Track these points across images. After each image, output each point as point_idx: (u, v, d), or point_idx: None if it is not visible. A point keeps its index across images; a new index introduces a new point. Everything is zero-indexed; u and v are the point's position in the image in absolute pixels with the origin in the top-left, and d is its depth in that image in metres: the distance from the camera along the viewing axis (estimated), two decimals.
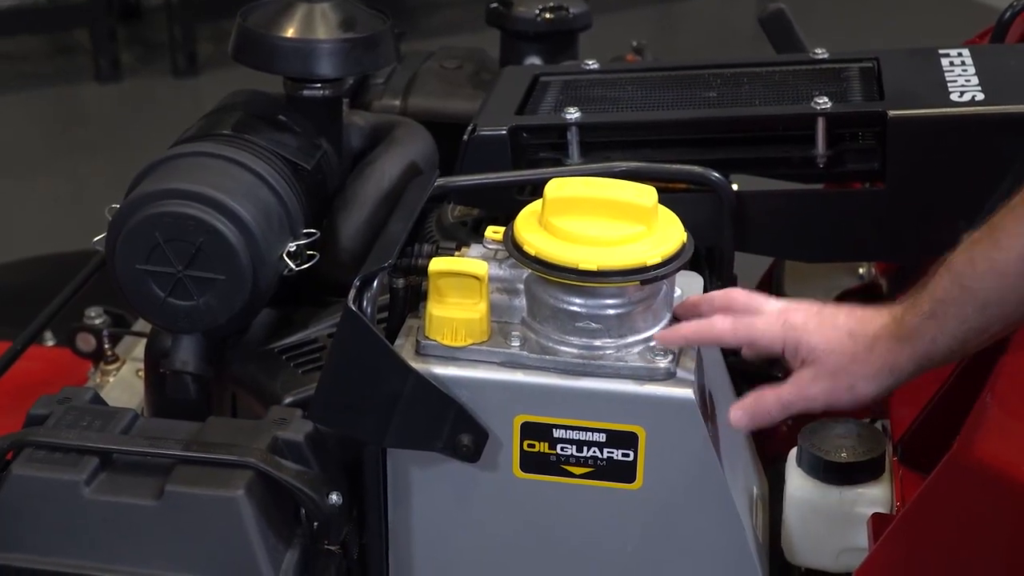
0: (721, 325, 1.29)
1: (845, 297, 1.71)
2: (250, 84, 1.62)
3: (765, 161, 1.49)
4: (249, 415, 1.44)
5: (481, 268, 1.24)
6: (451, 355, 1.25)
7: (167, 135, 1.60)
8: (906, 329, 1.25)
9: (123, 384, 1.81)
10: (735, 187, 1.53)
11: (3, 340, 2.00)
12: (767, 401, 1.29)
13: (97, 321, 1.94)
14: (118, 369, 1.85)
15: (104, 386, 1.82)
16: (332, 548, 1.28)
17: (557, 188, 1.27)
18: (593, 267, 1.21)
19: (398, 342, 1.28)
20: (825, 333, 1.27)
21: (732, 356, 1.69)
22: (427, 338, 1.25)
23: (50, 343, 2.14)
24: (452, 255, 1.33)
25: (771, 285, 1.94)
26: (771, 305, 1.30)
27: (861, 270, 1.76)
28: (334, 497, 1.25)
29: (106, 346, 1.87)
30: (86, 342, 1.95)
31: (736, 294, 1.32)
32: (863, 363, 1.25)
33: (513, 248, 1.26)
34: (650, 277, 1.23)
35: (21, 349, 1.60)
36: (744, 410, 1.29)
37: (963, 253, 1.24)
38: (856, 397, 1.26)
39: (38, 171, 4.13)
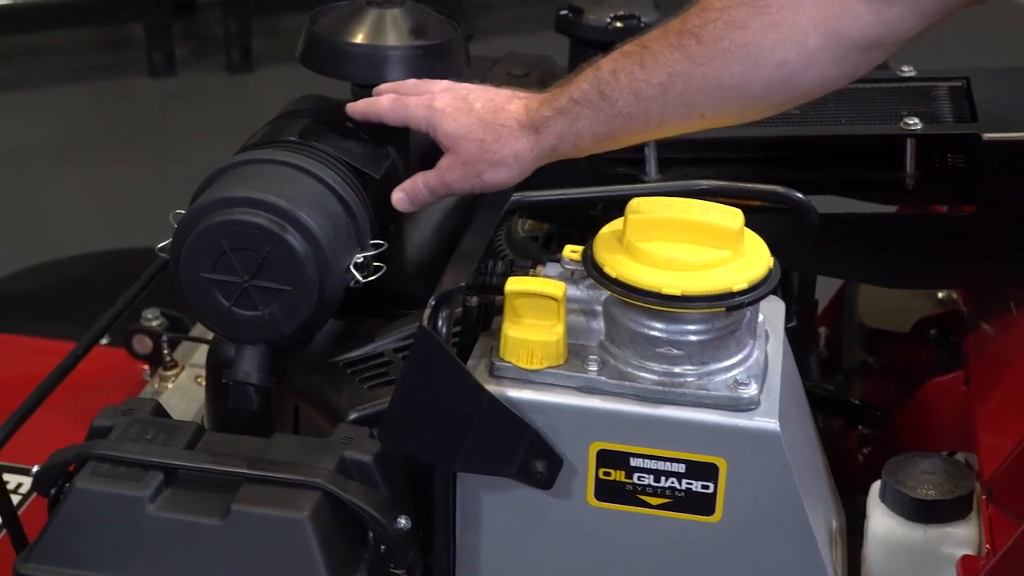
0: (383, 102, 1.41)
1: (924, 323, 1.66)
2: (305, 80, 1.59)
3: (849, 182, 1.45)
4: (311, 428, 1.41)
5: (559, 289, 1.20)
6: (526, 378, 1.21)
7: (220, 131, 1.58)
8: (535, 120, 1.32)
9: (182, 391, 1.78)
10: None
11: (55, 339, 1.99)
12: (418, 186, 1.39)
13: (155, 323, 1.91)
14: (177, 375, 1.82)
15: (163, 392, 1.79)
16: (398, 572, 1.25)
17: (640, 208, 1.23)
18: (677, 292, 1.17)
19: (471, 362, 1.24)
20: (460, 120, 1.35)
21: (809, 382, 1.65)
22: (502, 360, 1.21)
23: (104, 342, 2.11)
24: (528, 273, 1.29)
25: (842, 306, 1.89)
26: (435, 87, 1.41)
27: (940, 294, 1.71)
28: (402, 521, 1.22)
29: (165, 351, 1.84)
30: (142, 344, 1.92)
31: (410, 81, 1.44)
32: (491, 152, 1.33)
33: (593, 269, 1.22)
34: (736, 304, 1.18)
35: (82, 354, 1.57)
36: (404, 193, 1.40)
37: (611, 61, 1.30)
38: (487, 185, 1.35)
39: (89, 166, 4.12)
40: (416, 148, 1.61)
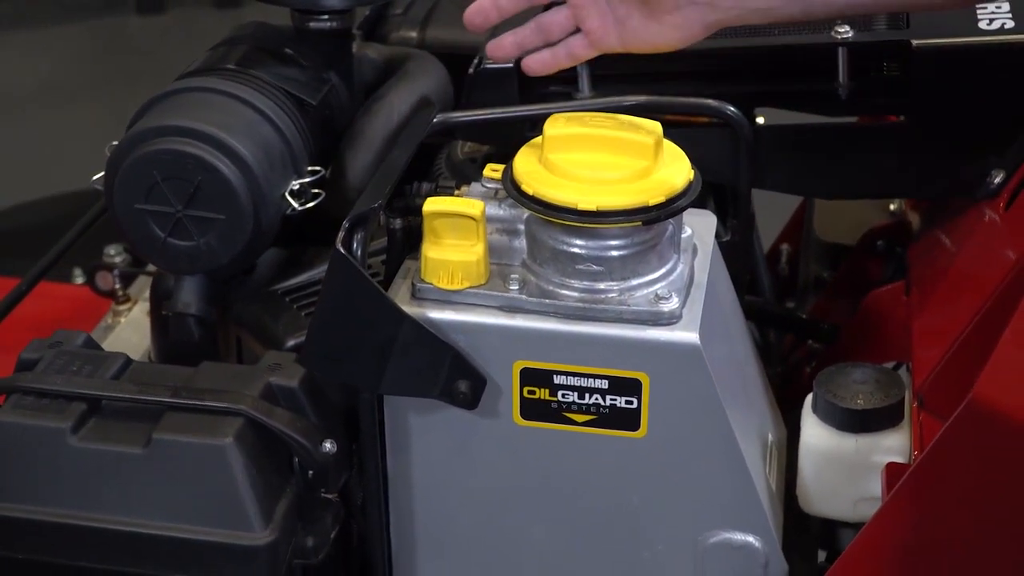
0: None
1: (872, 235, 1.64)
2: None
3: (785, 94, 1.43)
4: (253, 358, 1.41)
5: (476, 208, 1.19)
6: (447, 299, 1.21)
7: None
8: None
9: (135, 325, 1.78)
10: (761, 120, 1.46)
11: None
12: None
13: (117, 259, 1.91)
14: (130, 309, 1.82)
15: (116, 327, 1.79)
16: (329, 496, 1.25)
17: (557, 124, 1.22)
18: (592, 207, 1.16)
19: (394, 285, 1.24)
20: None
21: (760, 297, 1.64)
22: (423, 281, 1.21)
23: (79, 280, 2.12)
24: (452, 194, 1.28)
25: (802, 222, 1.88)
26: None
27: (892, 206, 1.69)
28: (328, 445, 1.22)
29: (117, 286, 1.84)
30: (105, 281, 1.92)
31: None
32: None
33: (511, 187, 1.21)
34: (653, 217, 1.17)
35: (26, 290, 1.57)
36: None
37: None
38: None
39: (78, 104, 4.11)
40: (361, 76, 1.59)
